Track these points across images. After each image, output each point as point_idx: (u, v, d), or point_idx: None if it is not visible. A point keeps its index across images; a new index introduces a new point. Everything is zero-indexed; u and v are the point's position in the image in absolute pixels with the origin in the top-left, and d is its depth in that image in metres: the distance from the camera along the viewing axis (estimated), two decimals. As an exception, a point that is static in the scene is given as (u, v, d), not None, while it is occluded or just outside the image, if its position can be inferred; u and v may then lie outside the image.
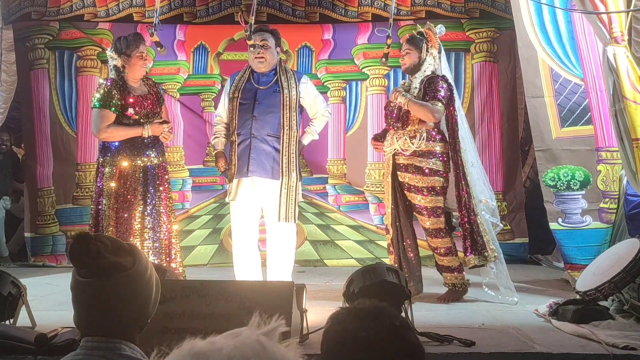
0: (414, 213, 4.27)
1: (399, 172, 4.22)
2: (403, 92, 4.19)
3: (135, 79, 4.22)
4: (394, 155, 4.23)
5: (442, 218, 4.16)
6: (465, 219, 4.09)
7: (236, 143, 4.23)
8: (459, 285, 4.21)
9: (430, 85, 4.15)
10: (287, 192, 4.17)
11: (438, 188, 4.14)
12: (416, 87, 4.18)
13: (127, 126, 4.14)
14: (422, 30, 4.32)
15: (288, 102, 4.21)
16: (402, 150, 4.17)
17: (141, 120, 4.16)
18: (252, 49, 4.24)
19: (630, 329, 3.29)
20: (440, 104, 4.09)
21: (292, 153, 4.22)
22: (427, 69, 4.23)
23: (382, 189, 4.74)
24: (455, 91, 4.32)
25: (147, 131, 4.14)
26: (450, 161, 4.16)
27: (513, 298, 4.10)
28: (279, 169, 4.18)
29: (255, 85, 4.27)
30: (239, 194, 4.25)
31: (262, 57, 4.21)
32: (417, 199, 4.16)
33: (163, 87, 5.69)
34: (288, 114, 4.20)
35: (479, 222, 4.10)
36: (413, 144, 4.13)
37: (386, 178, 4.32)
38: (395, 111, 4.22)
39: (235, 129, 4.23)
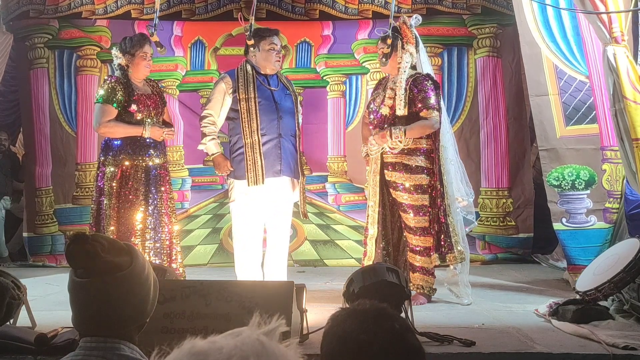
0: (399, 211, 4.20)
1: (386, 171, 4.18)
2: (393, 131, 4.03)
3: (139, 78, 4.27)
4: (381, 154, 4.19)
5: (427, 217, 4.09)
6: (435, 218, 4.06)
7: (259, 143, 4.15)
8: (427, 289, 4.11)
9: (417, 87, 4.08)
10: (303, 189, 4.34)
11: (425, 186, 4.09)
12: (402, 93, 4.07)
13: (129, 124, 4.15)
14: (396, 25, 4.23)
15: (296, 103, 4.38)
16: (390, 149, 4.13)
17: (144, 119, 4.17)
18: (252, 49, 4.25)
19: (630, 329, 3.29)
20: (435, 113, 4.06)
21: (301, 152, 4.42)
22: (406, 67, 4.13)
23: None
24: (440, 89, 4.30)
25: (147, 132, 4.16)
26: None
27: (464, 300, 4.08)
28: (299, 167, 4.30)
29: (267, 86, 4.28)
30: (247, 194, 4.20)
31: (280, 60, 4.36)
32: (404, 197, 4.11)
33: (162, 85, 5.67)
34: (297, 115, 4.37)
35: (449, 222, 4.07)
36: (401, 142, 4.11)
37: (374, 177, 4.24)
38: (380, 111, 4.19)
39: (258, 129, 4.16)
